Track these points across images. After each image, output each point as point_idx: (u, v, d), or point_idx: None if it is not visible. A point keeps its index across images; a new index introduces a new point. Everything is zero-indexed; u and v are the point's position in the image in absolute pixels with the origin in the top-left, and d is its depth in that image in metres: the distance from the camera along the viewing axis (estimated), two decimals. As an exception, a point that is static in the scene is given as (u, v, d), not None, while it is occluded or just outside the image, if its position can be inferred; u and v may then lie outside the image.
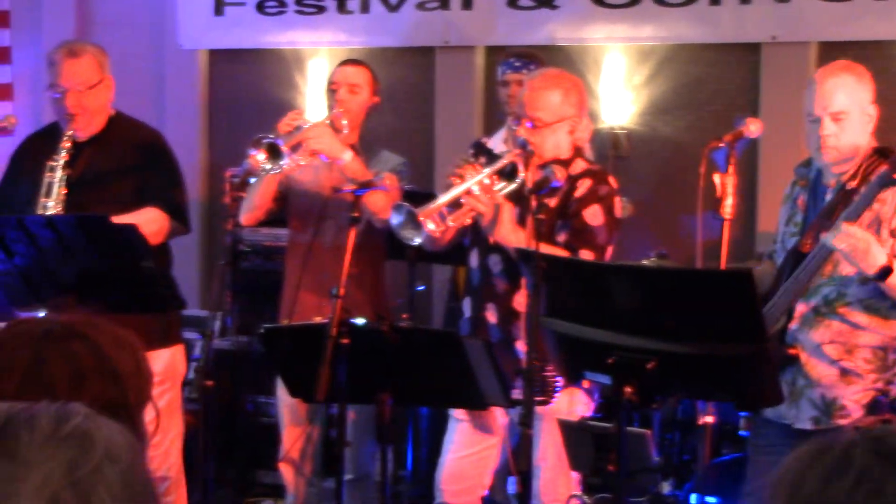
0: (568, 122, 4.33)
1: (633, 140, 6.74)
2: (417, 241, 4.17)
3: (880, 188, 3.70)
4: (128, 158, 4.84)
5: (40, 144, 4.85)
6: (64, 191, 4.67)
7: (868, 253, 3.63)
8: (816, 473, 1.23)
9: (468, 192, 4.17)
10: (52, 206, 4.65)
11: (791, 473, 1.26)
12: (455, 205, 4.22)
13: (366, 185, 4.29)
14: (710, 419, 4.06)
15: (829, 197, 3.93)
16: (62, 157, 4.71)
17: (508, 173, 4.29)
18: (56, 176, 4.69)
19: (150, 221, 4.65)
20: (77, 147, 4.80)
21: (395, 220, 4.13)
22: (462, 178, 4.19)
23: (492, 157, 4.50)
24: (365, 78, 4.99)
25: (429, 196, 4.61)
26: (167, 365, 4.71)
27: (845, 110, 3.84)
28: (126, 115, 5.02)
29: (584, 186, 4.32)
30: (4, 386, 1.56)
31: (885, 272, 3.65)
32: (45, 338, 1.71)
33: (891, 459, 1.22)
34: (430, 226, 4.14)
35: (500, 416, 4.41)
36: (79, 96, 4.76)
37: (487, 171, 4.22)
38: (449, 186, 4.21)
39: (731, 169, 3.91)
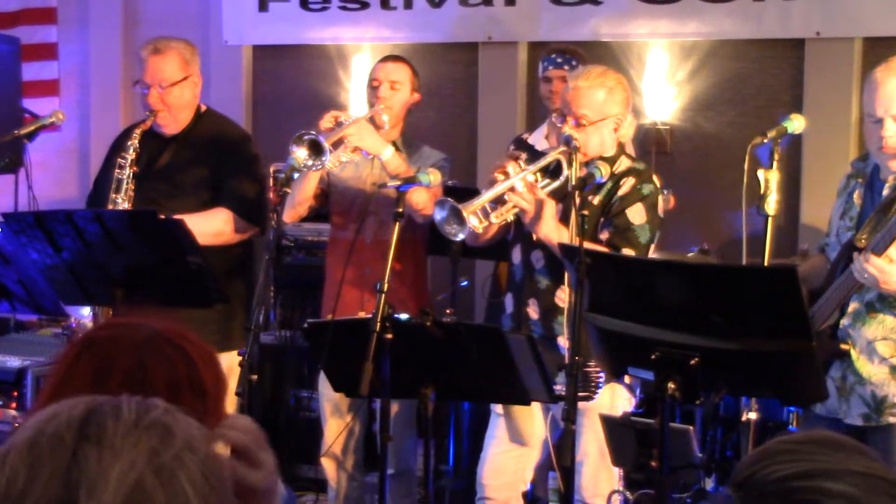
0: (612, 119, 4.33)
1: (676, 136, 6.73)
2: (460, 236, 4.19)
3: None
4: (207, 155, 4.90)
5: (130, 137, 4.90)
6: (132, 186, 4.74)
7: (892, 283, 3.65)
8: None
9: (512, 189, 4.18)
10: (120, 201, 4.72)
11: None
12: (499, 201, 4.23)
13: (409, 181, 4.31)
14: (753, 415, 4.06)
15: (886, 192, 3.91)
16: (130, 154, 4.78)
17: (552, 170, 4.30)
18: (124, 173, 4.76)
19: (209, 219, 4.71)
20: (163, 142, 4.88)
21: (439, 215, 4.14)
22: (506, 174, 4.20)
23: (534, 154, 4.51)
24: (405, 74, 5.00)
25: (472, 192, 4.63)
26: (227, 369, 4.75)
27: None
28: (216, 113, 5.09)
29: (627, 184, 4.32)
30: (105, 387, 1.58)
31: None
32: (147, 345, 1.72)
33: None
34: (474, 221, 4.15)
35: (538, 424, 4.42)
36: (162, 93, 4.82)
37: (532, 168, 4.23)
38: (493, 183, 4.22)
39: (774, 165, 3.90)
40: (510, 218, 4.28)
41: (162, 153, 4.87)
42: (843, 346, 3.89)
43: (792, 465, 1.18)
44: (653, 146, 6.60)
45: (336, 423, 4.97)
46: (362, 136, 4.69)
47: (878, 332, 3.87)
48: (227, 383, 1.85)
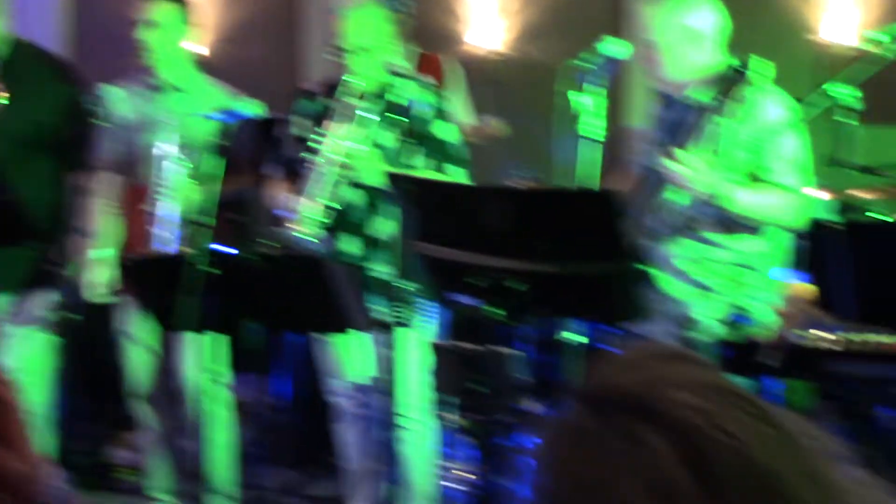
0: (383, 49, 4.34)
1: (509, 65, 6.74)
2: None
3: (712, 110, 3.74)
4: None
5: None
6: None
7: (697, 181, 3.70)
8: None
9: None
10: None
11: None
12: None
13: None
14: (580, 339, 4.10)
15: (681, 114, 3.95)
16: None
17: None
18: None
19: None
20: None
21: None
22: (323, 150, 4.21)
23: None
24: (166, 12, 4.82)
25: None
26: (39, 306, 4.64)
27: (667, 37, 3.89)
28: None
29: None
30: None
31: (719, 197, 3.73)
32: None
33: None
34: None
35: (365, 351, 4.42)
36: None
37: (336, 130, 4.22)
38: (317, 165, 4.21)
39: (592, 88, 3.92)
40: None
41: None
42: (644, 267, 3.94)
43: (639, 375, 1.17)
44: (485, 76, 6.60)
45: (147, 361, 4.85)
46: None
47: (680, 251, 3.93)
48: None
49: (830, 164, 4.83)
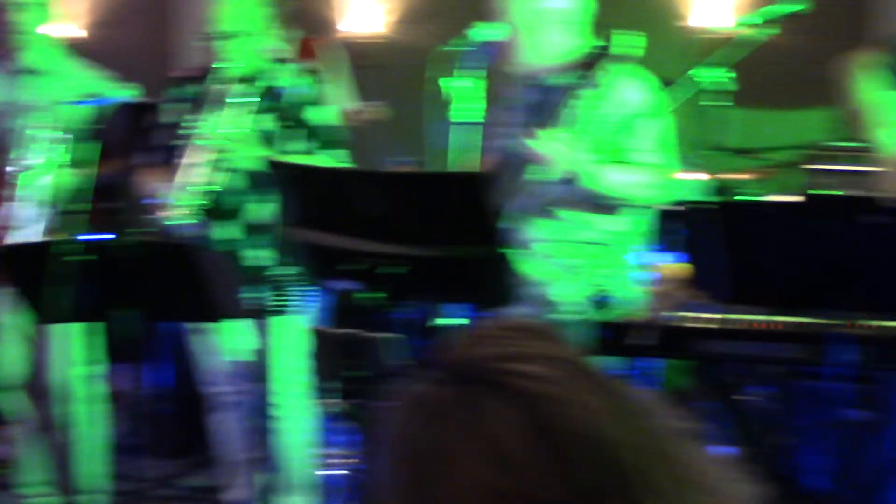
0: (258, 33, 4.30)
1: (391, 48, 6.72)
2: None
3: (575, 91, 3.77)
4: None
5: None
6: None
7: (559, 160, 3.72)
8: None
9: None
10: None
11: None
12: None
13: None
14: (456, 321, 4.10)
15: (543, 96, 3.97)
16: None
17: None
18: None
19: None
20: None
21: None
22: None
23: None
24: None
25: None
26: None
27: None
28: None
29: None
30: None
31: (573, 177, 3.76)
32: None
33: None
34: None
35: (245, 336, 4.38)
36: None
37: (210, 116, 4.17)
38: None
39: (466, 73, 3.92)
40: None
41: None
42: (507, 250, 3.95)
43: (490, 349, 1.19)
44: (363, 60, 6.57)
45: (20, 352, 4.76)
46: None
47: (542, 233, 3.94)
48: None
49: (704, 147, 4.91)
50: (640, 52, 3.83)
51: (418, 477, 1.16)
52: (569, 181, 3.79)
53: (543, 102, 3.90)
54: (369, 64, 6.53)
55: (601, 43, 3.80)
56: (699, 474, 1.22)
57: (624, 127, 3.86)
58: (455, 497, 1.14)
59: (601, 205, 3.90)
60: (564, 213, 3.93)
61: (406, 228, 3.44)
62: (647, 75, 3.91)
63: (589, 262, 3.96)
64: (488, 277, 3.48)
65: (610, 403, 1.18)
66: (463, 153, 3.91)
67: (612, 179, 3.82)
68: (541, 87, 3.95)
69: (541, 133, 3.71)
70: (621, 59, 3.77)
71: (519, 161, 3.85)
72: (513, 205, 3.90)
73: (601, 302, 3.92)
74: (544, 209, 3.94)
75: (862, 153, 3.94)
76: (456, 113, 3.87)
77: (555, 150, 3.70)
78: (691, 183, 4.97)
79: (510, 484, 1.13)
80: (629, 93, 3.86)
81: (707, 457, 1.27)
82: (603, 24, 4.00)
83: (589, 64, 3.79)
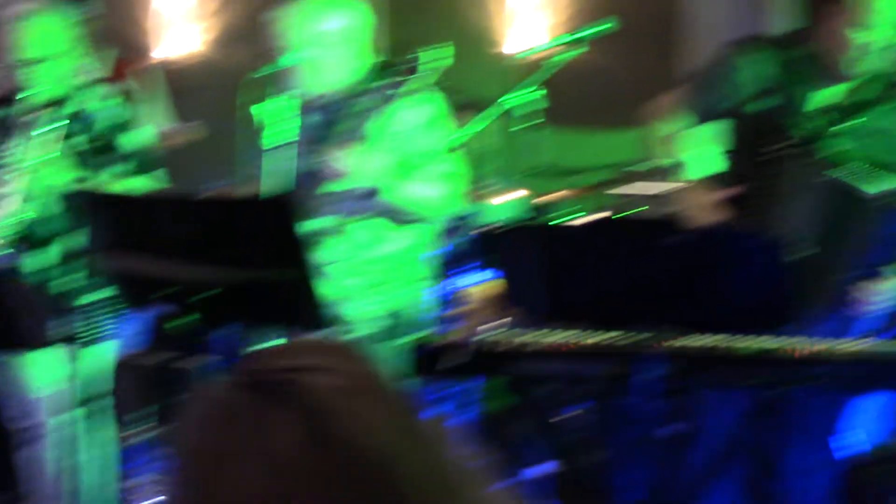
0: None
1: (209, 69, 6.66)
2: None
3: (366, 109, 3.81)
4: None
5: None
6: None
7: (353, 177, 3.75)
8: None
9: None
10: None
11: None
12: None
13: None
14: (270, 344, 4.07)
15: (332, 116, 4.00)
16: None
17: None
18: None
19: None
20: None
21: None
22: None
23: None
24: None
25: None
26: None
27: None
28: None
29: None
30: None
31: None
32: None
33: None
34: None
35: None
36: None
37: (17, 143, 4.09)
38: None
39: (277, 96, 3.92)
40: None
41: None
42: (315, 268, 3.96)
43: (283, 361, 1.24)
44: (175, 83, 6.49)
45: None
46: None
47: (334, 252, 3.94)
48: None
49: (519, 168, 4.98)
50: (448, 64, 3.88)
51: (200, 476, 1.20)
52: (367, 196, 3.82)
53: (335, 121, 3.93)
54: (186, 85, 6.45)
55: (409, 58, 3.83)
56: (475, 498, 1.27)
57: (415, 142, 3.91)
58: (231, 499, 1.18)
59: (399, 219, 3.93)
60: (360, 230, 3.95)
61: (218, 252, 3.43)
62: (435, 92, 3.94)
63: (384, 278, 3.99)
64: (299, 299, 3.47)
65: (392, 421, 1.23)
66: (274, 176, 3.90)
67: (409, 193, 3.87)
68: (332, 107, 3.97)
69: (336, 150, 3.74)
70: (428, 74, 3.81)
71: (317, 179, 3.86)
72: (312, 223, 3.90)
73: (399, 319, 3.95)
74: (341, 226, 3.95)
75: (667, 175, 4.04)
76: (267, 137, 3.86)
77: (352, 165, 3.73)
78: (507, 203, 5.04)
79: (283, 491, 1.17)
80: (421, 108, 3.91)
81: (485, 481, 1.32)
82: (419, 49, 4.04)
83: (379, 80, 3.84)
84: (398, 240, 3.98)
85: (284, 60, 3.93)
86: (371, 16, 4.00)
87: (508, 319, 3.89)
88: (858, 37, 3.67)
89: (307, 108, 4.02)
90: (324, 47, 3.90)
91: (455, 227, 4.89)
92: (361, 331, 3.90)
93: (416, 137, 3.91)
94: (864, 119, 3.78)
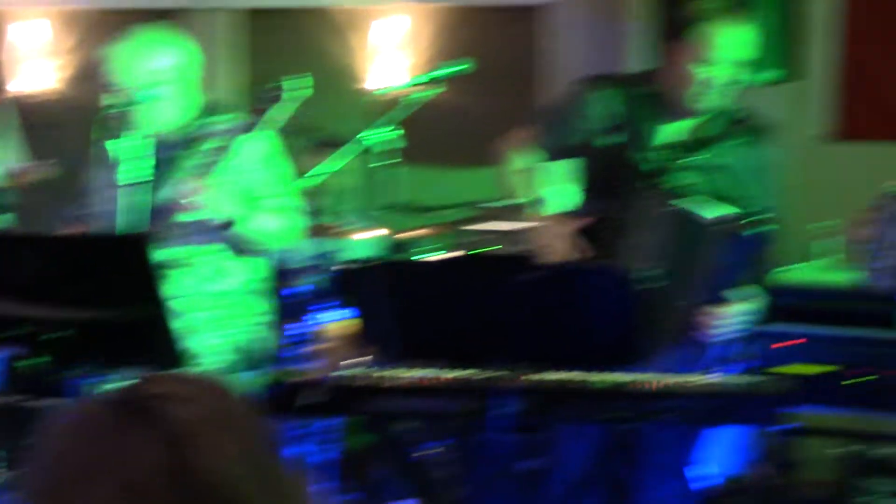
0: None
1: (64, 106, 6.56)
2: None
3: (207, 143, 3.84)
4: None
5: None
6: None
7: (198, 209, 3.76)
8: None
9: None
10: None
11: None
12: None
13: None
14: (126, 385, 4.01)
15: (171, 152, 3.99)
16: None
17: None
18: None
19: None
20: None
21: None
22: None
23: None
24: None
25: None
26: None
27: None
28: None
29: None
30: None
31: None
32: None
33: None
34: None
35: None
36: None
37: None
38: None
39: (125, 134, 3.91)
40: None
41: None
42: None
43: (154, 387, 1.26)
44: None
45: None
46: None
47: (179, 287, 3.90)
48: None
49: (377, 205, 5.00)
50: (308, 94, 3.89)
51: (55, 488, 1.21)
52: (216, 228, 3.82)
53: (182, 157, 3.91)
54: (40, 122, 6.35)
55: (271, 87, 3.83)
56: None
57: (254, 175, 3.95)
58: None
59: (243, 250, 3.93)
60: (205, 263, 3.93)
61: (70, 291, 3.38)
62: (271, 132, 3.95)
63: (225, 312, 3.97)
64: (154, 337, 3.43)
65: (248, 457, 1.25)
66: (128, 213, 3.86)
67: (253, 226, 3.89)
68: (179, 143, 3.96)
69: (185, 184, 3.72)
70: (289, 103, 3.82)
71: (168, 213, 3.84)
72: (161, 254, 3.88)
73: (243, 353, 3.94)
74: (188, 258, 3.93)
75: (521, 212, 4.09)
76: (122, 173, 3.83)
77: (200, 199, 3.72)
78: (367, 240, 5.06)
79: None
80: (256, 144, 3.92)
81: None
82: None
83: (236, 114, 3.85)
84: (238, 273, 3.98)
85: (124, 98, 3.91)
86: (199, 54, 4.00)
87: (368, 357, 3.89)
88: (700, 73, 3.76)
89: (159, 144, 4.00)
90: (155, 85, 3.90)
91: (314, 264, 4.89)
92: (208, 364, 3.87)
93: (253, 172, 3.94)
94: (709, 154, 3.88)
